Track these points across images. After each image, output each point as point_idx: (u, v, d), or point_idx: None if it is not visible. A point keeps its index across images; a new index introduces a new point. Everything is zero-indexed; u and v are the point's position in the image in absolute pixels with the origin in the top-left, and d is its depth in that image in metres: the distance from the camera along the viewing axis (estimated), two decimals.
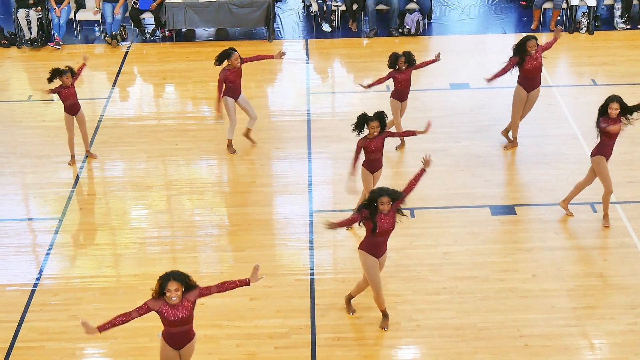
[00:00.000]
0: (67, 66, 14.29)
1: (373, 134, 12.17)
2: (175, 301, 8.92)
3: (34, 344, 10.96)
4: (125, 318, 9.00)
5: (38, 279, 12.16)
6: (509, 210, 13.41)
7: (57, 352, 10.81)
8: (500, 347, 10.66)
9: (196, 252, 12.74)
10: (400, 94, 14.61)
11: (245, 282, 9.34)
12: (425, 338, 10.86)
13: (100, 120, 16.35)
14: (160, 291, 8.98)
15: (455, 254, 12.38)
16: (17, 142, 15.75)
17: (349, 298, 11.26)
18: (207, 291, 9.18)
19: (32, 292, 11.89)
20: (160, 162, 15.06)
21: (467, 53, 19.00)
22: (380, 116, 12.19)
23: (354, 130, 12.26)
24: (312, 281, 11.97)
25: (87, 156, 15.03)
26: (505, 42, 18.81)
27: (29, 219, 13.64)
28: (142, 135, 15.90)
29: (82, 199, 14.05)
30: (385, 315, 11.01)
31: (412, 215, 13.14)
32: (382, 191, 10.21)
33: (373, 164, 12.52)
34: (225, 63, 14.55)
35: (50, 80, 14.24)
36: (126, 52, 19.40)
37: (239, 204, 13.87)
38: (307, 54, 19.15)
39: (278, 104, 17.11)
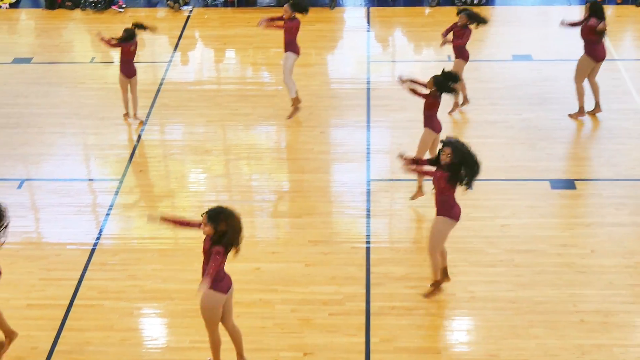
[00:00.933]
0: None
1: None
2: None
3: (93, 302, 11.13)
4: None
5: (98, 238, 12.34)
6: (569, 184, 13.26)
7: (115, 310, 10.98)
8: (555, 322, 10.57)
9: (253, 217, 12.81)
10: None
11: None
12: (480, 310, 10.82)
13: (161, 84, 16.47)
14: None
15: (512, 227, 12.29)
16: (79, 104, 15.94)
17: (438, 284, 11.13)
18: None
19: (92, 251, 12.07)
20: (220, 127, 15.14)
21: (530, 24, 18.75)
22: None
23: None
24: (368, 249, 11.98)
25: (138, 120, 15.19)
26: (570, 14, 18.48)
27: (89, 180, 13.82)
28: (202, 99, 15.99)
29: (142, 162, 14.19)
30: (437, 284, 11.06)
31: (470, 187, 13.04)
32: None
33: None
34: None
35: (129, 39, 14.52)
36: (188, 17, 19.48)
37: (297, 170, 13.91)
38: (368, 22, 19.05)
39: (338, 72, 17.07)
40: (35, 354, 10.19)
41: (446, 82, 11.89)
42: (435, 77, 11.92)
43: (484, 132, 14.55)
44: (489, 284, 11.21)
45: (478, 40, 16.26)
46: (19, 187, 13.53)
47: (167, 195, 13.41)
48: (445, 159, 10.08)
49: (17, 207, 13.02)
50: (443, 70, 12.07)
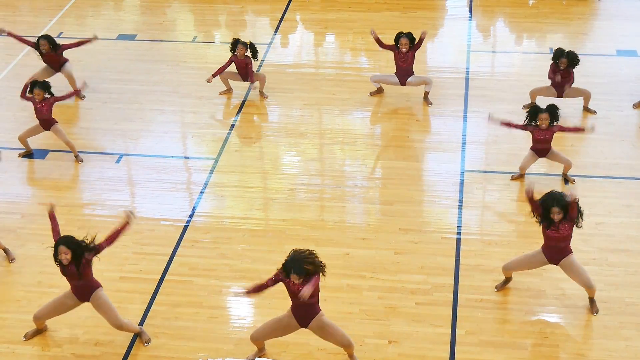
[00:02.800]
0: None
1: (541, 126, 12.43)
2: (299, 284, 9.18)
3: (184, 278, 11.33)
4: (260, 288, 9.44)
5: (191, 216, 12.53)
6: None
7: (204, 288, 11.15)
8: None
9: (344, 202, 12.85)
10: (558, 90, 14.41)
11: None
12: (570, 308, 10.65)
13: (260, 66, 16.58)
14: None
15: (608, 225, 12.06)
16: (179, 82, 16.18)
17: (590, 300, 10.77)
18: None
19: (185, 228, 12.27)
20: (316, 111, 15.20)
21: (637, 18, 18.28)
22: (551, 109, 12.33)
23: (526, 120, 12.60)
24: (458, 240, 11.90)
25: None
26: None
27: (185, 157, 14.03)
28: (299, 82, 16.06)
29: (238, 142, 14.34)
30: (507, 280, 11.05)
31: (566, 183, 12.87)
32: (554, 200, 10.03)
33: (539, 151, 12.73)
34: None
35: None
36: (289, 1, 19.53)
37: (390, 157, 13.88)
38: (470, 11, 18.85)
39: (437, 60, 16.92)
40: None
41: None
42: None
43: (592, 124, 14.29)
44: None
45: (582, 34, 15.97)
46: (118, 161, 13.83)
47: (261, 176, 13.54)
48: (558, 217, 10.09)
49: (114, 181, 13.36)
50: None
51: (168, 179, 13.41)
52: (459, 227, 12.15)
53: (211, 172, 13.53)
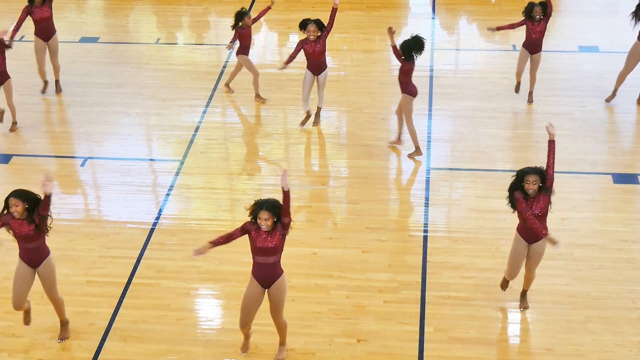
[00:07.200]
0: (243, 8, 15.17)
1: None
2: (265, 229, 9.07)
3: (151, 280, 11.27)
4: (228, 238, 9.28)
5: (157, 218, 12.47)
6: (632, 179, 13.07)
7: (171, 290, 11.10)
8: (613, 318, 10.44)
9: (311, 201, 12.84)
10: (532, 46, 14.45)
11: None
12: (536, 303, 10.72)
13: (224, 67, 16.55)
14: (254, 217, 9.16)
15: (573, 221, 12.15)
16: (143, 84, 16.10)
17: (523, 293, 10.80)
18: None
19: (151, 230, 12.21)
20: (281, 111, 15.18)
21: (598, 15, 18.46)
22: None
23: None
24: (425, 238, 11.94)
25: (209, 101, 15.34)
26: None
27: (151, 160, 13.96)
28: (264, 83, 16.01)
29: (203, 143, 14.30)
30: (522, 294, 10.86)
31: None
32: (531, 169, 9.93)
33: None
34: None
35: (234, 26, 14.88)
36: (253, 0, 19.51)
37: (356, 156, 13.89)
38: (433, 9, 18.92)
39: None
40: (93, 330, 10.35)
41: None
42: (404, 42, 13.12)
43: (547, 124, 14.37)
44: (546, 277, 11.10)
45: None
46: (82, 165, 13.74)
47: (227, 177, 13.50)
48: (533, 187, 9.90)
49: (79, 185, 13.26)
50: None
51: (133, 181, 13.34)
52: (426, 225, 12.19)
53: (177, 174, 13.48)
